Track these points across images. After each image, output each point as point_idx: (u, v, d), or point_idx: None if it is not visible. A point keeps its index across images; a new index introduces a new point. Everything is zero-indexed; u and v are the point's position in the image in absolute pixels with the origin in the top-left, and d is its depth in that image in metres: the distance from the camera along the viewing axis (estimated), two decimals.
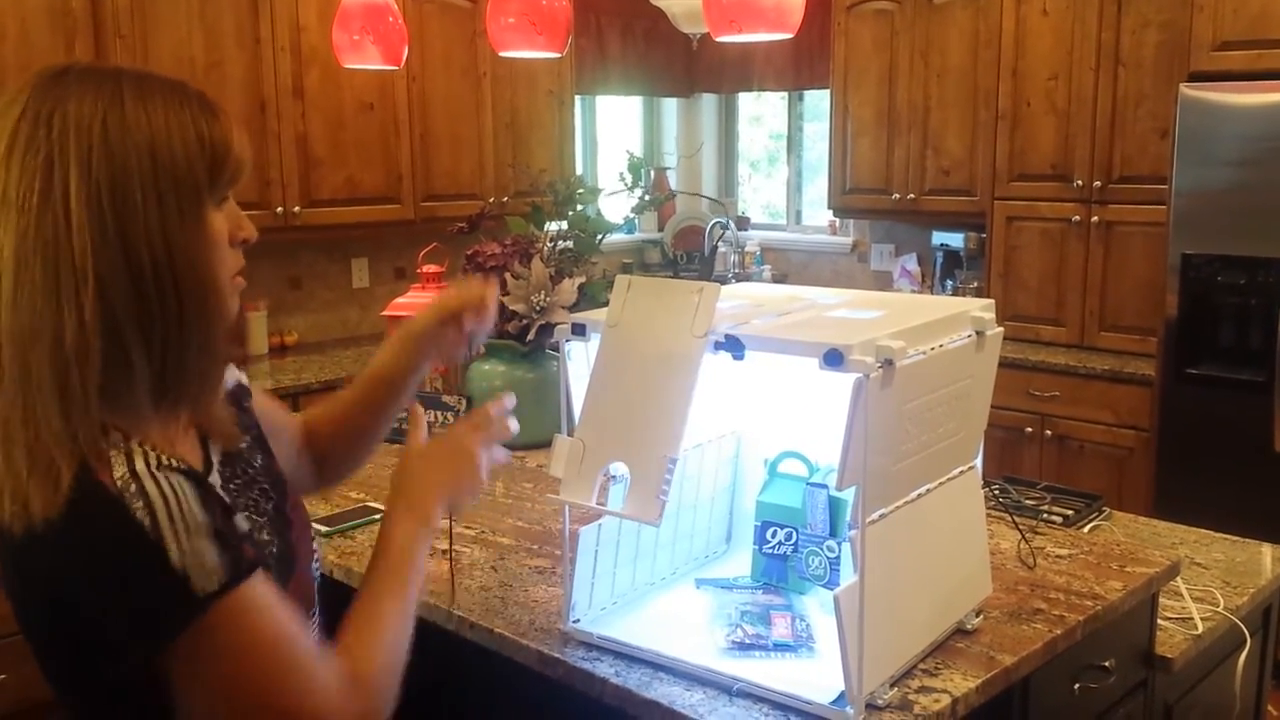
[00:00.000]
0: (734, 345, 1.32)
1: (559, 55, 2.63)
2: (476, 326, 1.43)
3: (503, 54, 2.61)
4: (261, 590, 1.00)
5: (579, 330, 1.45)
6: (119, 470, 0.96)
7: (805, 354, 1.27)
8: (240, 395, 1.27)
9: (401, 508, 1.21)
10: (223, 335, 1.05)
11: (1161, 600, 1.87)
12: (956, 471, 1.55)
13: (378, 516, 2.03)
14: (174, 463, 0.99)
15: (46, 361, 0.95)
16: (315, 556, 1.27)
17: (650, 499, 1.28)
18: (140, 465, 0.96)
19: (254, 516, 1.13)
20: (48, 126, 0.96)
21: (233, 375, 1.26)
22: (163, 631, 0.95)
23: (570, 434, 1.39)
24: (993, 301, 1.58)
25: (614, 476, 1.37)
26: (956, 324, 1.48)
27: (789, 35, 1.94)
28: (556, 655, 1.50)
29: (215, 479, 1.10)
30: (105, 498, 0.95)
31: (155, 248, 0.96)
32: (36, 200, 0.95)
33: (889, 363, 1.27)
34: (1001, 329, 1.56)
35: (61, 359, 0.95)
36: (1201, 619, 1.91)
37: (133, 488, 0.95)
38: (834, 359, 1.24)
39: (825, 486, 1.62)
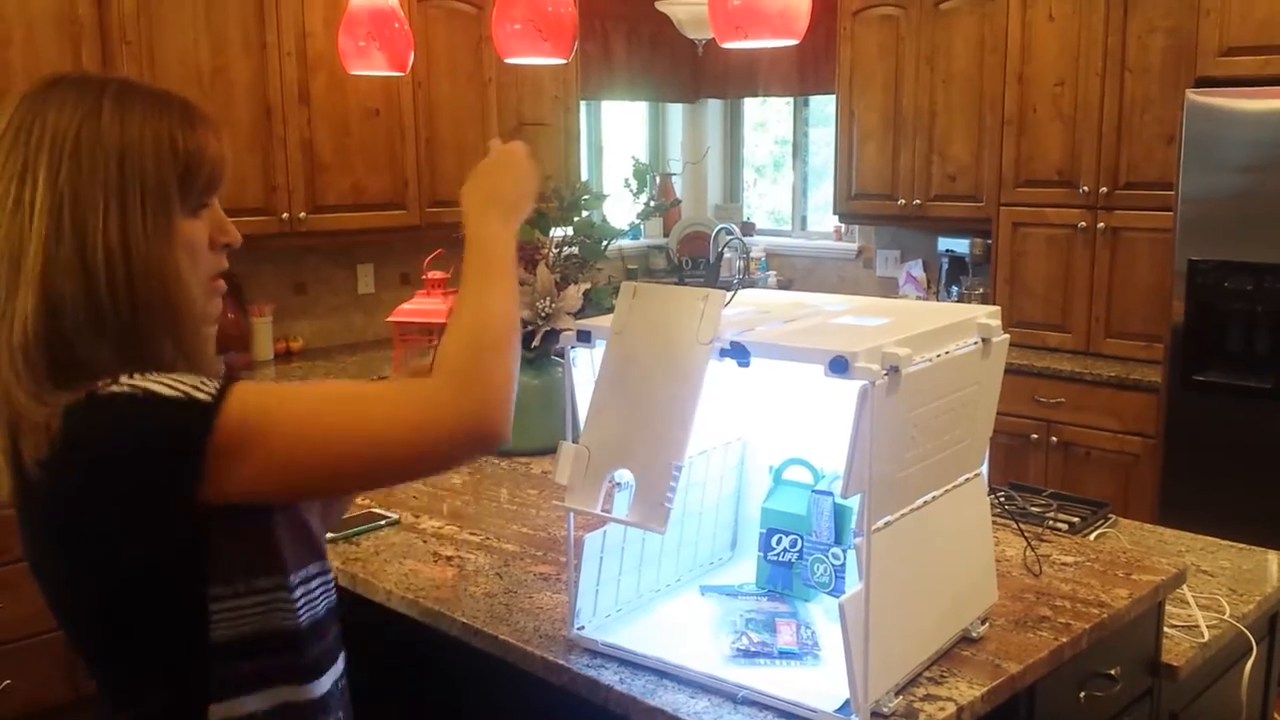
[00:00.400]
0: (739, 352, 1.32)
1: (564, 62, 2.63)
2: None
3: (508, 61, 2.61)
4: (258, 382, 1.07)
5: (584, 337, 1.45)
6: (102, 385, 1.02)
7: (811, 361, 1.27)
8: None
9: (483, 210, 1.26)
10: (191, 332, 1.10)
11: (1168, 608, 1.86)
12: (962, 479, 1.54)
13: (383, 523, 2.03)
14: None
15: (4, 351, 1.03)
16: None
17: (656, 506, 1.28)
18: (123, 378, 1.02)
19: None
20: (28, 134, 1.04)
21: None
22: (193, 447, 1.00)
23: (575, 441, 1.39)
24: (999, 308, 1.57)
25: (619, 483, 1.37)
26: (962, 331, 1.48)
27: (795, 41, 1.94)
28: (561, 662, 1.50)
29: None
30: (90, 401, 1.01)
31: (112, 252, 1.03)
32: (10, 205, 1.03)
33: (895, 370, 1.27)
34: (1007, 336, 1.56)
35: (10, 351, 1.03)
36: (1208, 627, 1.90)
37: (112, 387, 1.01)
38: (839, 366, 1.24)
39: (830, 494, 1.62)
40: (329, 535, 1.95)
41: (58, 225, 1.02)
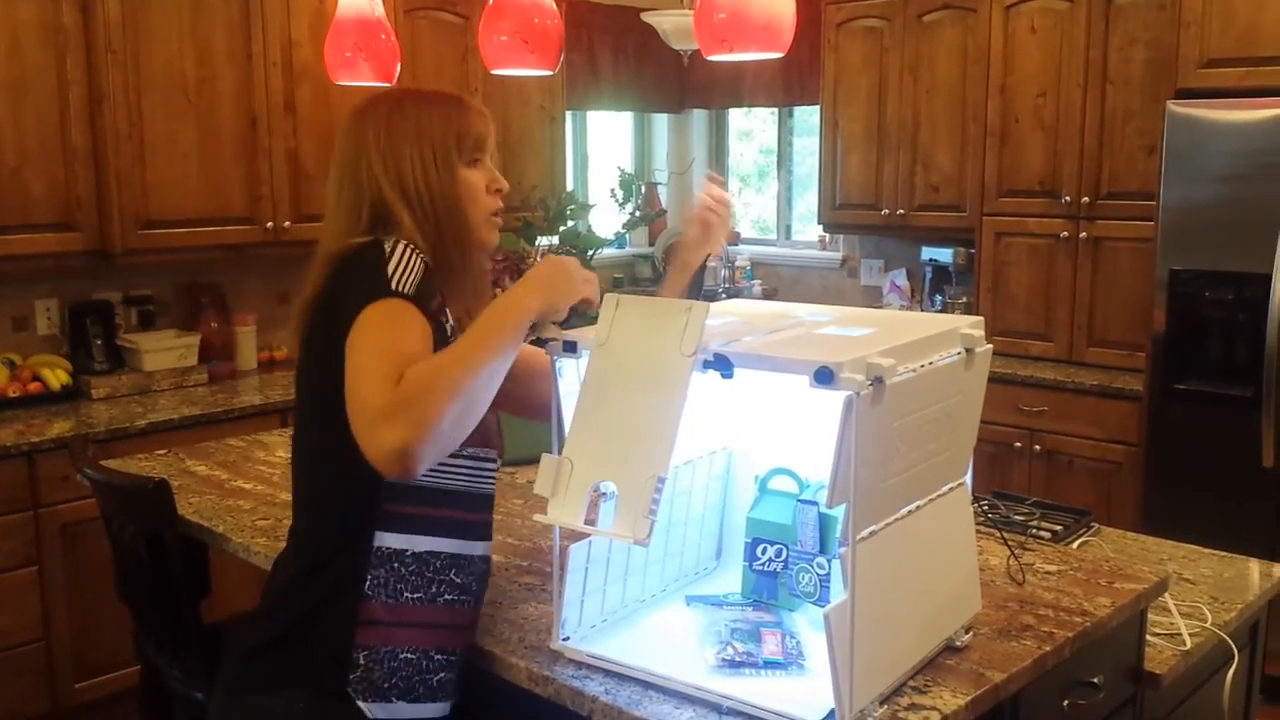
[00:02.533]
0: (722, 364, 1.33)
1: (550, 73, 2.64)
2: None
3: (494, 72, 2.61)
4: (422, 320, 1.43)
5: (570, 347, 1.46)
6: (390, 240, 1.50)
7: (795, 372, 1.28)
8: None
9: (523, 283, 1.50)
10: (472, 241, 1.60)
11: (1150, 616, 1.88)
12: (946, 488, 1.55)
13: None
14: (424, 258, 1.49)
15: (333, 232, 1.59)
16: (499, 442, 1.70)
17: (638, 518, 1.28)
18: (403, 244, 1.49)
19: None
20: (357, 128, 1.60)
21: None
22: (368, 298, 1.41)
23: (559, 452, 1.39)
24: (982, 319, 1.58)
25: (604, 493, 1.37)
26: (946, 341, 1.49)
27: (780, 54, 1.94)
28: (546, 673, 1.50)
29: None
30: (376, 241, 1.50)
31: (420, 185, 1.56)
32: (354, 160, 1.58)
33: (879, 380, 1.28)
34: (990, 346, 1.57)
35: (342, 232, 1.57)
36: (1190, 635, 1.92)
37: (391, 241, 1.49)
38: (824, 377, 1.25)
39: (815, 503, 1.62)
40: None
41: (386, 169, 1.56)
